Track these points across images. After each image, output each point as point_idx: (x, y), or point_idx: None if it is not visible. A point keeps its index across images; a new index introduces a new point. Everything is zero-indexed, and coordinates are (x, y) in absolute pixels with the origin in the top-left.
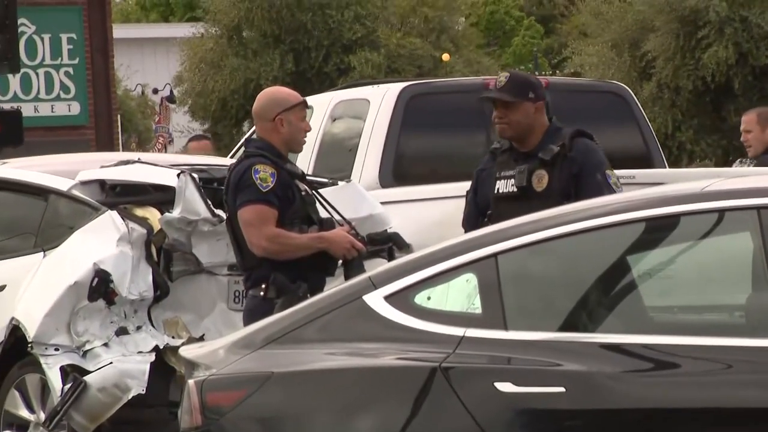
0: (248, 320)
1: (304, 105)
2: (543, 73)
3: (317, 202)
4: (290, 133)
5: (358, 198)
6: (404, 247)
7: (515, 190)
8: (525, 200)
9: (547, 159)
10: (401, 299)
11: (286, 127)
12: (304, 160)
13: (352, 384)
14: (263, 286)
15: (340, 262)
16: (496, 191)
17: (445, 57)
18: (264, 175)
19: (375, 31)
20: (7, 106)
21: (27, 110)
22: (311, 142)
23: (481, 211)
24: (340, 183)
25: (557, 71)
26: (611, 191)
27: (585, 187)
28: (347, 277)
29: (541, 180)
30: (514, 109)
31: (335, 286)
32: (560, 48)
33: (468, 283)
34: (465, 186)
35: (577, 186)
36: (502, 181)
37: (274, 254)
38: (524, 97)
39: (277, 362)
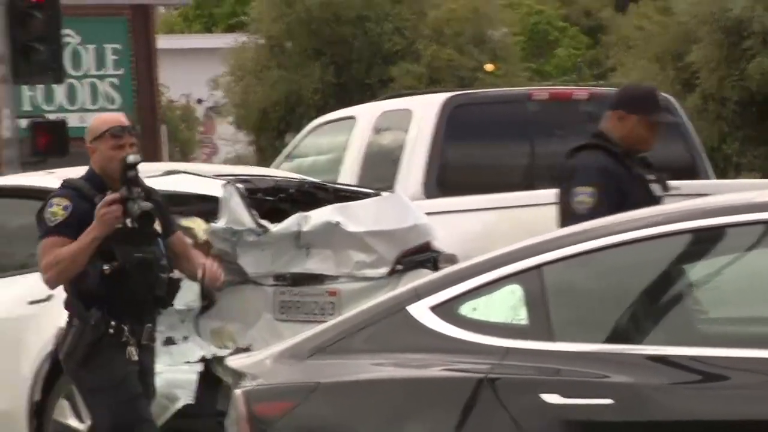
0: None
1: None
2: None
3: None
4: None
5: (402, 208)
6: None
7: (662, 193)
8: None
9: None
10: (446, 310)
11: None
12: (350, 171)
13: (399, 395)
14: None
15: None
16: (651, 195)
17: (489, 67)
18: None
19: (414, 43)
20: (52, 117)
21: (72, 120)
22: (356, 153)
23: None
24: (383, 194)
25: (601, 82)
26: None
27: None
28: (141, 228)
29: None
30: None
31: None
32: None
33: (513, 294)
34: (509, 197)
35: None
36: (650, 185)
37: (54, 281)
38: None
39: (323, 373)
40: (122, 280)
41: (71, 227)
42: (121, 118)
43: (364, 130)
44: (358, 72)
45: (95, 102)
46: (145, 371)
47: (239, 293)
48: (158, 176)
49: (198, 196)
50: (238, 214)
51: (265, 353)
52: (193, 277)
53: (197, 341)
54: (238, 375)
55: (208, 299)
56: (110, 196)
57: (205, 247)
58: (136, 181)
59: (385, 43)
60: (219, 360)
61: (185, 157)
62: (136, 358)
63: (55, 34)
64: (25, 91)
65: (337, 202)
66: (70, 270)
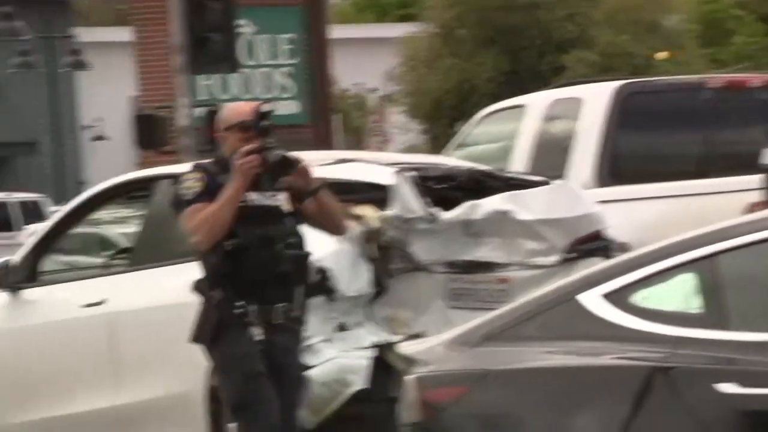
0: None
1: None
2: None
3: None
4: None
5: (572, 197)
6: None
7: None
8: None
9: None
10: (618, 298)
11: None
12: (520, 160)
13: (570, 383)
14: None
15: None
16: None
17: (662, 55)
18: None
19: (587, 30)
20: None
21: None
22: (526, 142)
23: None
24: (554, 182)
25: None
26: None
27: None
28: (271, 166)
29: None
30: None
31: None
32: None
33: (687, 282)
34: (683, 185)
35: None
36: None
37: (205, 240)
38: None
39: (494, 360)
40: (244, 257)
41: (207, 195)
42: (251, 109)
43: (534, 119)
44: (530, 60)
45: (269, 91)
46: (282, 351)
47: (411, 280)
48: (330, 164)
49: (369, 184)
50: (409, 202)
51: (437, 340)
52: (336, 234)
53: (370, 327)
54: (410, 361)
55: (380, 286)
56: (247, 147)
57: (376, 234)
58: (270, 131)
59: (557, 30)
60: (391, 346)
61: (357, 146)
62: (260, 338)
63: (230, 25)
64: (202, 80)
65: (507, 191)
66: (219, 226)
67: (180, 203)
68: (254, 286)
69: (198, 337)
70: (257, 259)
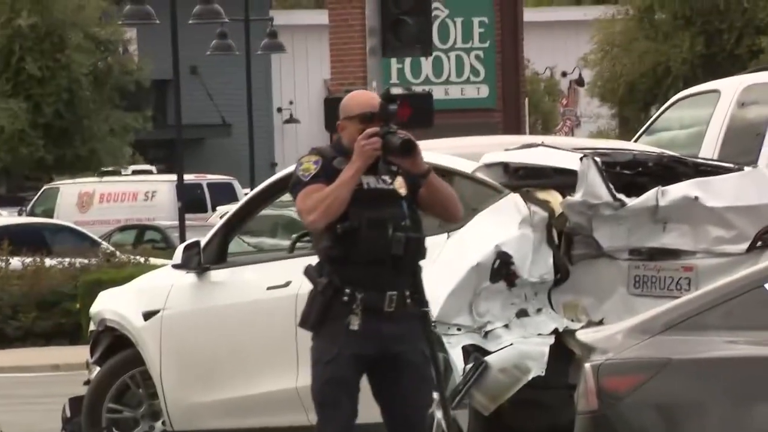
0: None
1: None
2: None
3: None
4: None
5: (764, 184)
6: None
7: None
8: None
9: None
10: None
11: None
12: (711, 145)
13: (753, 374)
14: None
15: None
16: None
17: None
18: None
19: None
20: (418, 89)
21: (437, 93)
22: (717, 127)
23: None
24: (746, 168)
25: None
26: None
27: None
28: (393, 149)
29: None
30: None
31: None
32: None
33: None
34: None
35: None
36: None
37: (321, 219)
38: None
39: (676, 349)
40: (354, 240)
41: (323, 177)
42: (373, 101)
43: (728, 104)
44: (728, 42)
45: (460, 75)
46: (392, 340)
47: (593, 267)
48: (517, 148)
49: (555, 169)
50: (595, 187)
51: (617, 327)
52: (451, 221)
53: (550, 314)
54: (589, 349)
55: (561, 272)
56: (370, 130)
57: (561, 220)
58: (395, 115)
59: (759, 11)
60: (571, 333)
61: (546, 130)
62: (355, 327)
63: (425, 8)
64: (393, 63)
65: (697, 177)
66: (335, 206)
67: (297, 184)
68: (365, 272)
69: (304, 322)
70: (368, 242)
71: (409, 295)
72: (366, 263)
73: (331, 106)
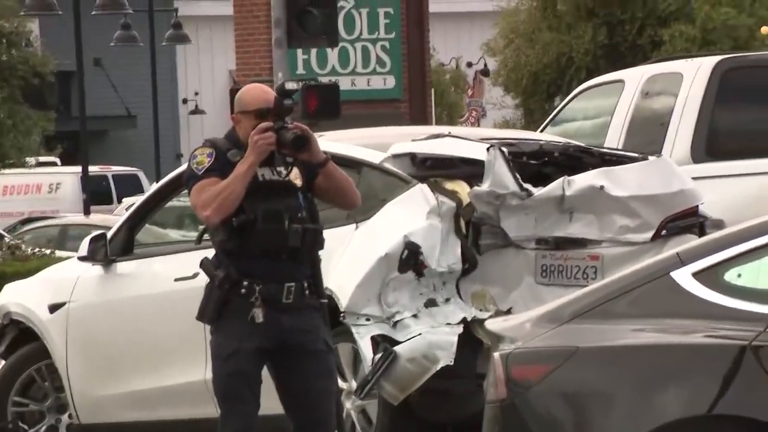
0: None
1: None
2: None
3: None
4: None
5: (668, 173)
6: None
7: None
8: None
9: None
10: (710, 276)
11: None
12: (616, 136)
13: (659, 361)
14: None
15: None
16: None
17: (765, 30)
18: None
19: (689, 3)
20: (325, 80)
21: (344, 84)
22: (621, 117)
23: None
24: (650, 158)
25: None
26: None
27: None
28: (286, 144)
29: None
30: None
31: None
32: None
33: None
34: None
35: None
36: None
37: (215, 214)
38: None
39: (583, 337)
40: (250, 232)
41: (217, 170)
42: (268, 96)
43: (632, 94)
44: (629, 33)
45: (366, 66)
46: (291, 332)
47: (501, 257)
48: (424, 139)
49: (462, 159)
50: (502, 177)
51: (525, 317)
52: (348, 208)
53: (458, 304)
54: (497, 338)
55: (469, 262)
56: (264, 124)
57: (468, 210)
58: (290, 110)
59: (660, 3)
60: (479, 322)
61: (452, 121)
62: (260, 320)
63: (330, 1)
64: (299, 54)
65: (602, 167)
66: (230, 200)
67: (191, 178)
68: (262, 264)
69: (201, 315)
70: (264, 234)
71: (307, 287)
72: (263, 255)
73: None
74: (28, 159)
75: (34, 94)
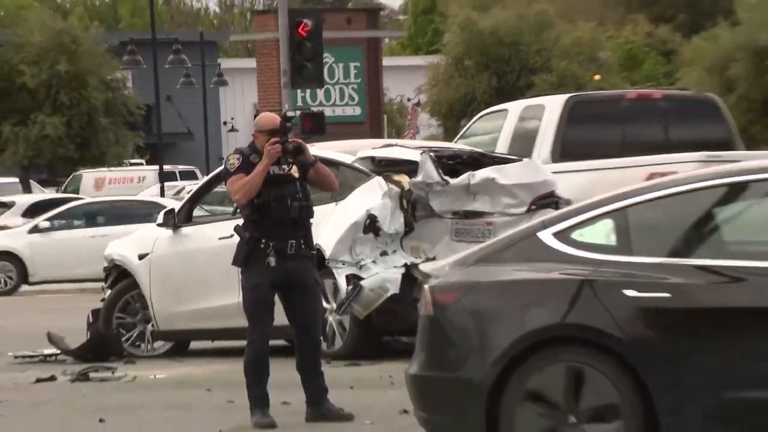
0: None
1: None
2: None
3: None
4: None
5: (536, 169)
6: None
7: None
8: None
9: None
10: (563, 235)
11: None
12: (503, 145)
13: (531, 290)
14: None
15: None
16: None
17: (597, 77)
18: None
19: (549, 60)
20: (315, 110)
21: (327, 112)
22: (506, 133)
23: None
24: (524, 159)
25: (672, 87)
26: None
27: None
28: (288, 151)
29: None
30: None
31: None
32: (675, 71)
33: (607, 225)
34: (607, 162)
35: None
36: None
37: (243, 198)
38: None
39: (482, 275)
40: (267, 208)
41: (244, 169)
42: (276, 120)
43: (513, 119)
44: (511, 79)
45: (342, 100)
46: (294, 272)
47: (429, 223)
48: (379, 147)
49: (405, 160)
50: (429, 172)
51: (444, 262)
52: (330, 191)
53: (402, 254)
54: (426, 275)
55: (409, 227)
56: (273, 139)
57: (407, 193)
58: (290, 129)
59: (530, 60)
60: (415, 266)
61: (399, 136)
62: (273, 264)
63: (319, 57)
64: (299, 93)
65: (494, 165)
66: (252, 190)
67: (227, 174)
68: (273, 229)
69: (235, 261)
70: (275, 210)
71: (303, 243)
72: (274, 223)
73: None
74: (125, 161)
75: (129, 121)
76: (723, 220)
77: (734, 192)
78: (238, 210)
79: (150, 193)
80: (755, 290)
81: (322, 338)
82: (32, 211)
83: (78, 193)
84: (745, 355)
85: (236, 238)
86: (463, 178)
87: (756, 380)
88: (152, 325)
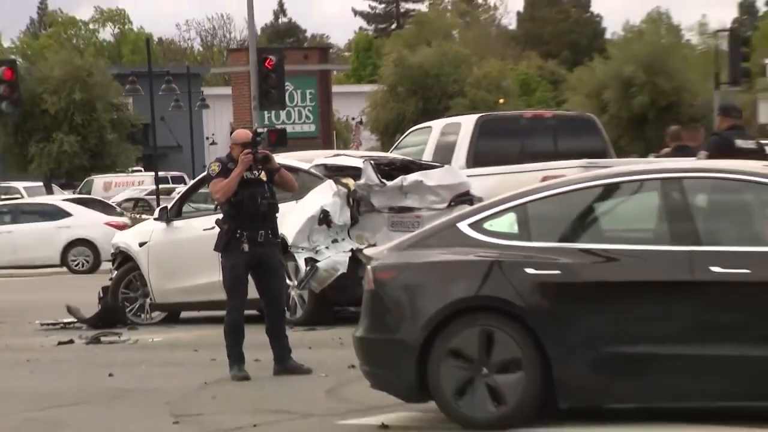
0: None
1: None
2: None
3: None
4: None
5: (455, 173)
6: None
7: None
8: None
9: None
10: (477, 225)
11: (234, 151)
12: (429, 155)
13: (452, 269)
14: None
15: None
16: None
17: (501, 101)
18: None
19: (464, 87)
20: (279, 127)
21: (289, 129)
22: (431, 145)
23: None
24: (445, 166)
25: (558, 109)
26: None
27: None
28: (258, 160)
29: None
30: None
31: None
32: (561, 96)
33: (511, 217)
34: (510, 168)
35: None
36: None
37: (223, 197)
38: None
39: (413, 257)
40: (241, 205)
41: (222, 174)
42: (248, 135)
43: (436, 134)
44: (435, 103)
45: (300, 119)
46: (263, 256)
47: (371, 217)
48: (330, 156)
49: (351, 167)
50: (371, 176)
51: (383, 247)
52: (291, 192)
53: (349, 241)
54: (368, 258)
55: (354, 219)
56: (246, 150)
57: (353, 193)
58: (260, 143)
59: (449, 87)
60: (360, 251)
61: (345, 148)
62: (246, 250)
63: (281, 85)
64: (265, 114)
65: (421, 170)
66: (229, 190)
67: (209, 178)
68: (247, 221)
69: (217, 248)
70: (247, 206)
71: (270, 233)
72: (247, 217)
73: None
74: (128, 169)
75: (130, 136)
76: (601, 212)
77: (609, 191)
78: (218, 207)
79: (148, 193)
80: (626, 268)
81: (286, 308)
82: None
83: (90, 194)
84: (618, 318)
85: (217, 229)
86: (397, 180)
87: (626, 337)
88: (150, 299)
